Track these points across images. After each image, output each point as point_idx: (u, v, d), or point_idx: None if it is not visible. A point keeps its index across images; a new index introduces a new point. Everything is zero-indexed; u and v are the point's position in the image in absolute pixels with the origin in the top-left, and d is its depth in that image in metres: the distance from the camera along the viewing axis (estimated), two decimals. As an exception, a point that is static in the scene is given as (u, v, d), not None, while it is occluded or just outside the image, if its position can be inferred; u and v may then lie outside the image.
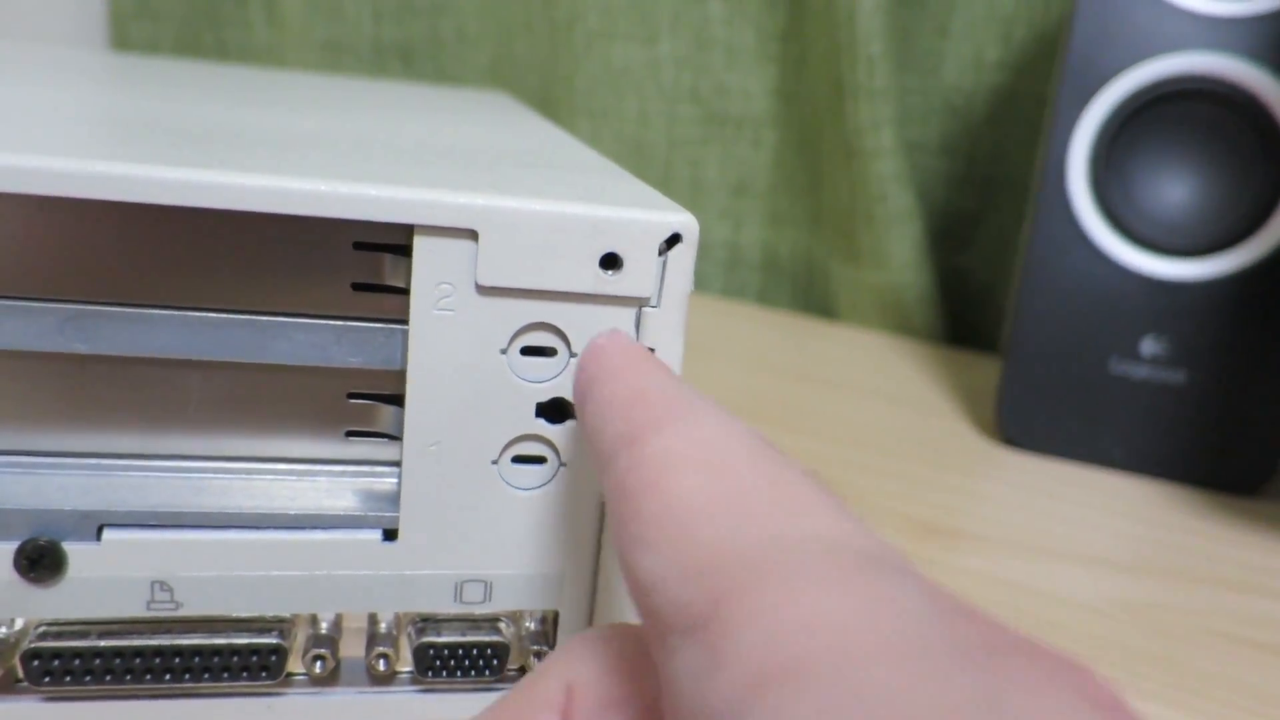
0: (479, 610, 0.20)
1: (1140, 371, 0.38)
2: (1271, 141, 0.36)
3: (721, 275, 0.60)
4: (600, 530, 0.20)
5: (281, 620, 0.19)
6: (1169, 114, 0.37)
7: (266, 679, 0.19)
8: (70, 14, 0.65)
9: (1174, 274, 0.38)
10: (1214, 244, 0.37)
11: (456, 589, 0.19)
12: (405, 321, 0.18)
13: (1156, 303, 0.38)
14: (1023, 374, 0.40)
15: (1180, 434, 0.38)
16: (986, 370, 0.50)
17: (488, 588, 0.19)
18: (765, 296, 0.60)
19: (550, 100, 0.59)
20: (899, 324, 0.55)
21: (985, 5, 0.52)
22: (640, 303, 0.18)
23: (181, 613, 0.18)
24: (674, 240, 0.18)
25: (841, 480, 0.36)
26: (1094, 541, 0.34)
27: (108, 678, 0.18)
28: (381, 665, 0.19)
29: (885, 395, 0.45)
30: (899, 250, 0.52)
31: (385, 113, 0.29)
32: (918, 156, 0.55)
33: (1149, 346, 0.38)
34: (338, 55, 0.60)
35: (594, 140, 0.58)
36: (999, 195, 0.54)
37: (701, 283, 0.60)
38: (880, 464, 0.38)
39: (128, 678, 0.18)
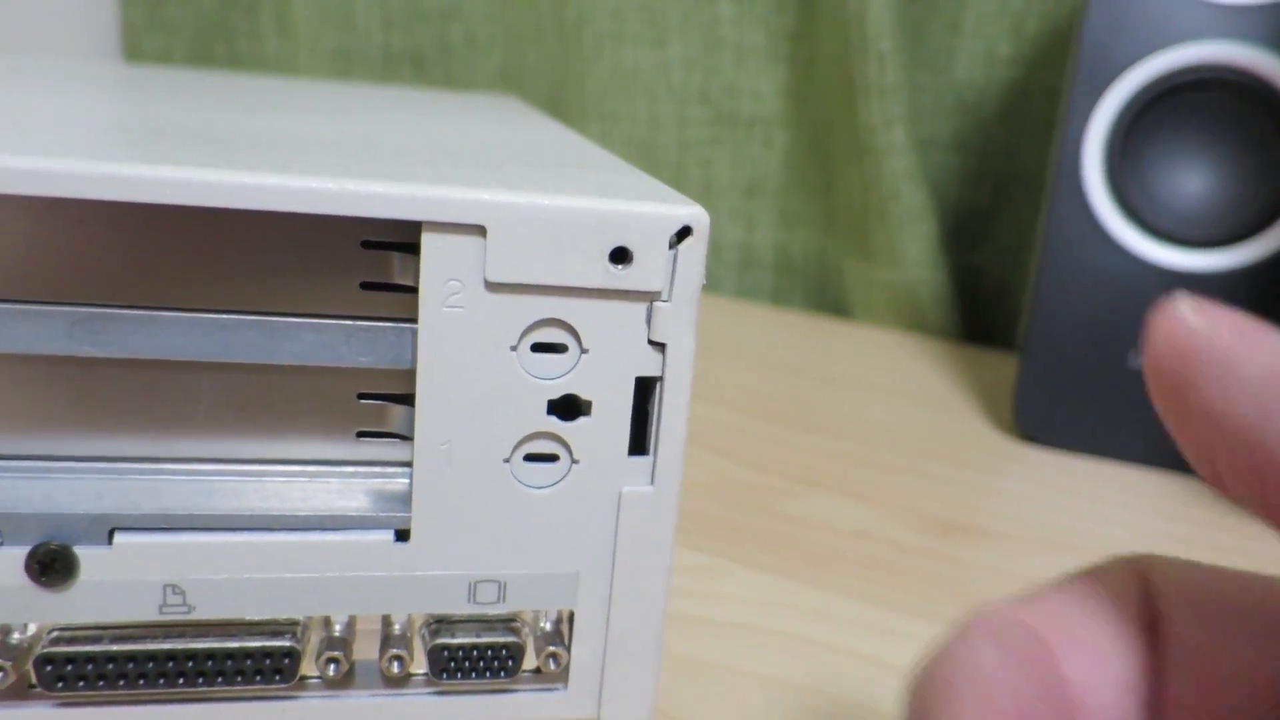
0: (493, 611, 0.19)
1: (1159, 365, 0.38)
2: (1289, 130, 0.36)
3: (735, 276, 0.59)
4: (616, 526, 0.19)
5: (294, 623, 0.19)
6: (1184, 104, 0.37)
7: (280, 682, 0.19)
8: (83, 27, 0.66)
9: (1192, 266, 0.37)
10: (1232, 235, 0.37)
11: (470, 589, 0.19)
12: (415, 320, 0.18)
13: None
14: (1040, 369, 0.39)
15: (1201, 428, 0.38)
16: (1003, 367, 0.50)
17: (501, 588, 0.19)
18: (779, 297, 0.59)
19: (561, 104, 0.59)
20: (914, 322, 0.54)
21: (996, 0, 0.51)
22: (651, 297, 0.18)
23: (194, 616, 0.18)
24: (684, 233, 0.18)
25: (859, 479, 0.36)
26: (1114, 536, 0.33)
27: (121, 682, 0.18)
28: (395, 667, 0.19)
29: (901, 393, 0.45)
30: (913, 248, 0.51)
31: (394, 115, 0.29)
32: (930, 153, 0.54)
33: (1168, 339, 0.38)
34: (348, 64, 0.61)
35: (605, 143, 0.58)
36: (1013, 191, 0.54)
37: (715, 284, 0.59)
38: (898, 462, 0.37)
39: (141, 682, 0.18)
